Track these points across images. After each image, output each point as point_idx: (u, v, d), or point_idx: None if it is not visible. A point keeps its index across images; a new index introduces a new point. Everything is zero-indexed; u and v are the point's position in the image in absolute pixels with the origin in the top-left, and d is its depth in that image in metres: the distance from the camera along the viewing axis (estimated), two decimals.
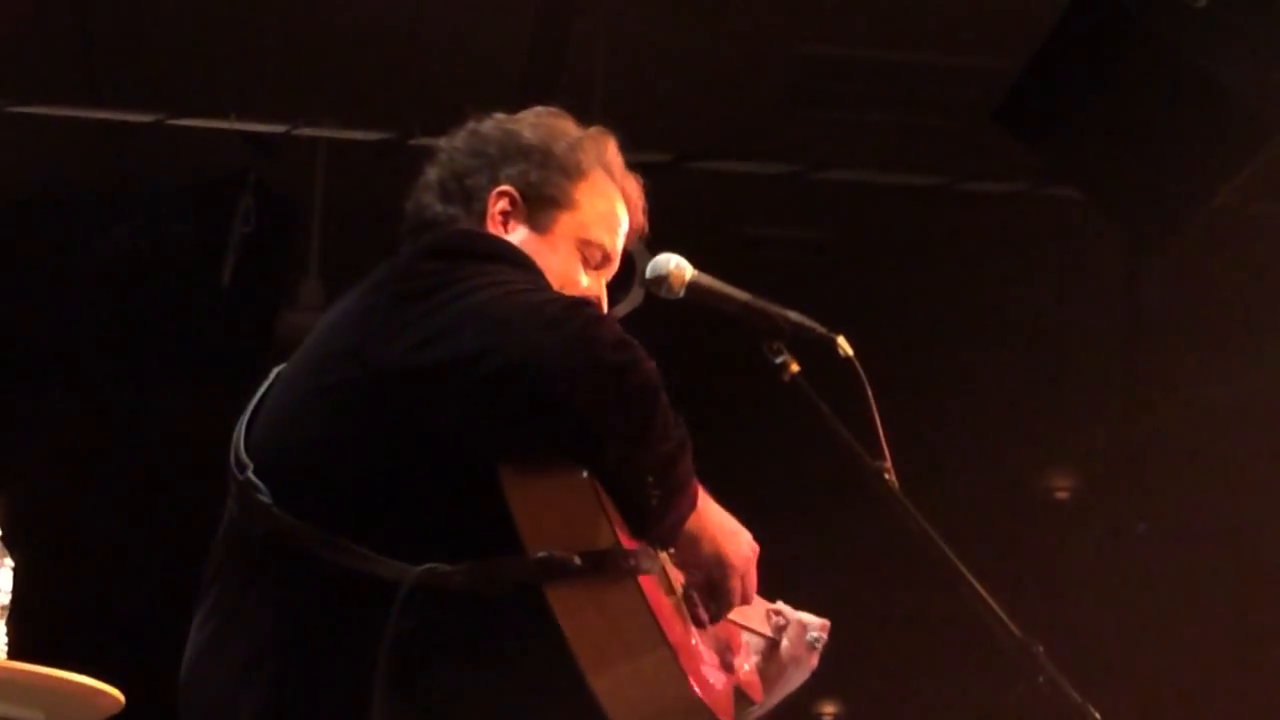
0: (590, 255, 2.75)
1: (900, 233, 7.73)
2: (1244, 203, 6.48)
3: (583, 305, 2.40)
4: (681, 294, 2.83)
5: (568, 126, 2.80)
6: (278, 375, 2.67)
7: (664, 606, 2.41)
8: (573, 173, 2.75)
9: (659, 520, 2.42)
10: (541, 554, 2.33)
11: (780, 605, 2.95)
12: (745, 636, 2.86)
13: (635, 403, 2.35)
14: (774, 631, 2.91)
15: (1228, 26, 5.10)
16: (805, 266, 7.84)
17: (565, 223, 2.73)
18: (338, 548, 2.38)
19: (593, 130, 2.82)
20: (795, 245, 8.04)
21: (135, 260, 6.99)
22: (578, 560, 2.32)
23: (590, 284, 2.75)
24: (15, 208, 7.15)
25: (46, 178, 7.13)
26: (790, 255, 7.95)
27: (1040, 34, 5.55)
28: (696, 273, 2.84)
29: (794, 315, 2.81)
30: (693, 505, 2.47)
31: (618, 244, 2.80)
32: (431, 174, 2.79)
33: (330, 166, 7.01)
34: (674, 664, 2.35)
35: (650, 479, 2.37)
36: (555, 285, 2.65)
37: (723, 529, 2.56)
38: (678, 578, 2.59)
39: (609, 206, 2.78)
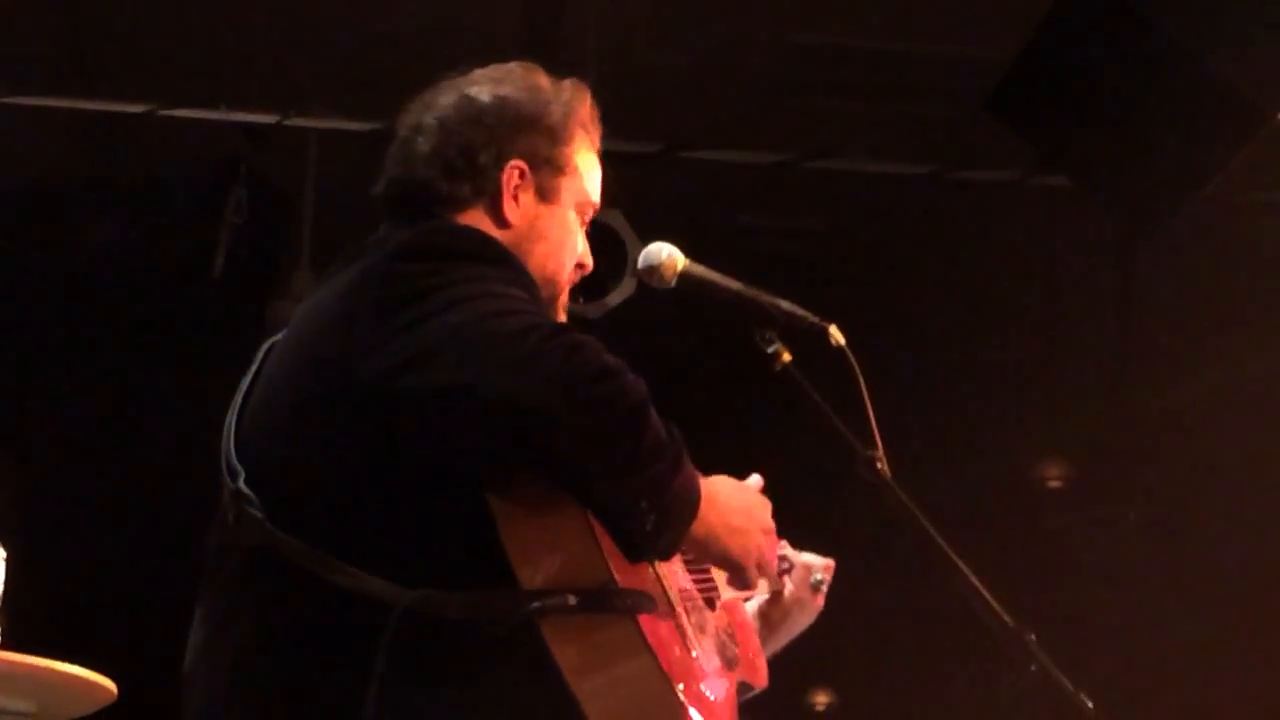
0: (585, 215, 2.75)
1: (892, 222, 7.73)
2: (1236, 190, 6.47)
3: (563, 333, 2.36)
4: (674, 284, 2.83)
5: (544, 83, 2.78)
6: (266, 355, 2.65)
7: (659, 632, 2.41)
8: (565, 136, 2.73)
9: (654, 543, 2.41)
10: (536, 589, 2.33)
11: (784, 547, 2.95)
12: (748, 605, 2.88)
13: (621, 434, 2.33)
14: (776, 580, 2.91)
15: (1220, 13, 5.10)
16: (797, 256, 7.83)
17: (567, 188, 2.71)
18: (330, 565, 2.38)
19: (568, 86, 2.79)
20: (787, 234, 8.03)
21: (126, 251, 6.97)
22: (572, 600, 2.33)
23: (584, 246, 2.75)
24: (4, 198, 7.13)
25: (36, 168, 7.10)
26: (782, 244, 7.95)
27: (1032, 22, 5.54)
28: (688, 262, 2.84)
29: (786, 304, 2.82)
30: (694, 513, 2.43)
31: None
32: (422, 144, 2.71)
33: (322, 156, 6.99)
34: (670, 692, 2.36)
35: (644, 504, 2.35)
36: (557, 257, 2.67)
37: (727, 526, 2.52)
38: (676, 580, 2.59)
39: (594, 162, 2.78)
